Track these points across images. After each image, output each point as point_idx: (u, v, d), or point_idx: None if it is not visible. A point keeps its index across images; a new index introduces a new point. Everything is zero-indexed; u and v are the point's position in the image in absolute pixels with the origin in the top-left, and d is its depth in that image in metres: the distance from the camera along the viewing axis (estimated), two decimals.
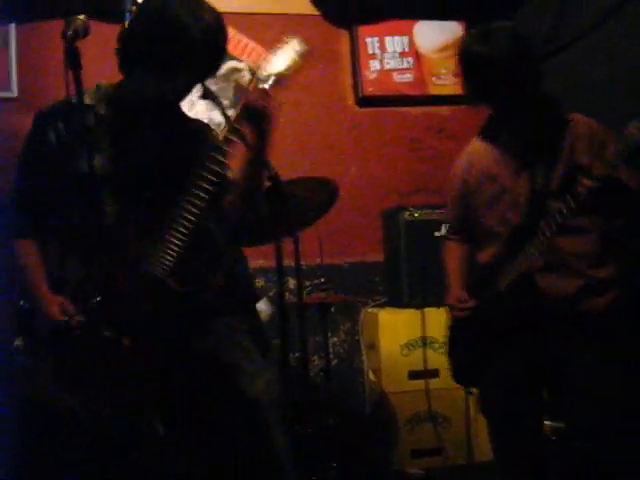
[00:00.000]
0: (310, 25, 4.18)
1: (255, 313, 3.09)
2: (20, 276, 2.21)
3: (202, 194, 2.08)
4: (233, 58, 3.98)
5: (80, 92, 2.04)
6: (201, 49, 2.14)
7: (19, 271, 2.21)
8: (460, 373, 2.69)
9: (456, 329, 2.68)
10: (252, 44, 4.04)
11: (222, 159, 2.09)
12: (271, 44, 3.94)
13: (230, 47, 3.92)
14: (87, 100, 2.16)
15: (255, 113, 2.14)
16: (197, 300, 2.15)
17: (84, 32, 2.04)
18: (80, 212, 2.14)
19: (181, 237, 2.08)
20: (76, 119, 2.13)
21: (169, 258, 2.07)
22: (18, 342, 2.38)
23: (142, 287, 2.07)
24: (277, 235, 2.90)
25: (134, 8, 2.23)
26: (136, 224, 2.13)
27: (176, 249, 2.08)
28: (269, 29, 4.08)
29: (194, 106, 3.51)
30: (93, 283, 2.07)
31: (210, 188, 2.08)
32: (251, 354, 2.28)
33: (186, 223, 2.08)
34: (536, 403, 2.54)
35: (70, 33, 1.99)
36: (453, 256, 2.77)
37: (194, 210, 2.08)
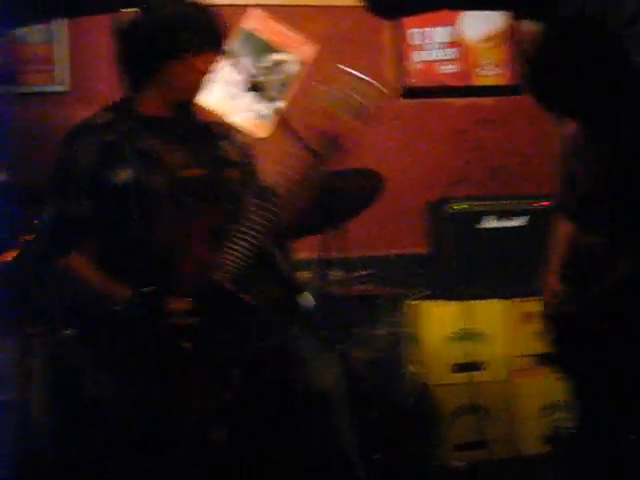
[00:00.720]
0: (353, 16, 4.17)
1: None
2: (76, 288, 2.23)
3: (261, 224, 2.11)
4: (278, 50, 4.00)
5: (102, 129, 2.10)
6: (215, 44, 2.27)
7: (73, 285, 2.22)
8: (556, 359, 2.59)
9: (551, 320, 2.57)
10: (296, 37, 4.04)
11: (272, 199, 2.13)
12: (315, 36, 4.02)
13: (275, 39, 3.97)
14: (100, 120, 2.25)
15: (330, 142, 2.16)
16: (254, 313, 2.14)
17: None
18: (117, 225, 2.17)
19: (244, 254, 2.09)
20: (100, 136, 2.20)
21: (235, 270, 2.09)
22: (69, 332, 2.42)
23: (208, 295, 2.07)
24: (322, 227, 2.90)
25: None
26: (177, 232, 2.15)
27: (240, 264, 2.09)
28: (313, 21, 4.08)
29: (235, 99, 3.53)
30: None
31: (268, 222, 2.11)
32: (313, 349, 2.28)
33: (248, 243, 2.10)
34: (621, 404, 2.41)
35: (119, 28, 2.02)
36: (561, 239, 2.59)
37: (255, 234, 2.11)
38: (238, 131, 2.35)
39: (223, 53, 2.32)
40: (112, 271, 2.16)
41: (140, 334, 2.02)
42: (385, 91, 2.25)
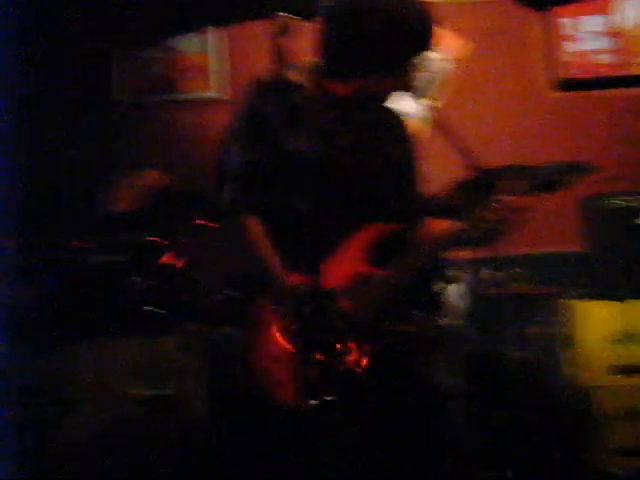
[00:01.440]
0: (503, 10, 4.10)
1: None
2: (245, 252, 2.15)
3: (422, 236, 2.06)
4: None
5: (287, 89, 2.10)
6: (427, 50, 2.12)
7: (244, 248, 2.14)
8: None
9: None
10: (446, 33, 4.00)
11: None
12: (466, 32, 3.96)
13: None
14: (292, 78, 2.14)
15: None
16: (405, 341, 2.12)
17: (289, 31, 2.09)
18: (279, 195, 2.12)
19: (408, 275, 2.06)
20: (286, 96, 2.11)
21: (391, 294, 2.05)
22: (226, 329, 2.48)
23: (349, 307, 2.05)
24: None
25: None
26: (339, 217, 2.12)
27: (401, 285, 2.06)
28: (461, 16, 4.03)
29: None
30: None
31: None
32: (430, 345, 2.25)
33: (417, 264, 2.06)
34: None
35: (276, 32, 2.04)
36: None
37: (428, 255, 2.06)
38: (411, 130, 2.30)
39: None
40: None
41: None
42: (593, 168, 2.17)
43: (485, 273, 3.56)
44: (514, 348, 3.76)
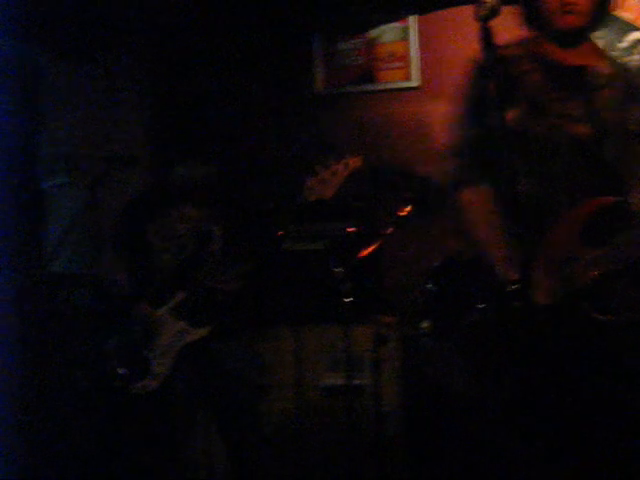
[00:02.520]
0: None
1: None
2: (470, 222, 2.14)
3: None
4: (638, 28, 3.73)
5: (493, 72, 2.03)
6: None
7: (465, 222, 2.15)
8: None
9: None
10: None
11: None
12: None
13: (635, 17, 3.69)
14: (511, 52, 2.18)
15: None
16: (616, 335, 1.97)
17: (496, 12, 2.02)
18: (494, 171, 2.04)
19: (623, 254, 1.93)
20: (505, 71, 2.11)
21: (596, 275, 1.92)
22: (425, 324, 2.43)
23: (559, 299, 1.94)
24: None
25: None
26: (560, 197, 2.03)
27: (611, 265, 1.93)
28: None
29: None
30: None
31: None
32: None
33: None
34: None
35: (484, 13, 1.99)
36: None
37: None
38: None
39: None
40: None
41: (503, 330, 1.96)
42: None
43: None
44: None
